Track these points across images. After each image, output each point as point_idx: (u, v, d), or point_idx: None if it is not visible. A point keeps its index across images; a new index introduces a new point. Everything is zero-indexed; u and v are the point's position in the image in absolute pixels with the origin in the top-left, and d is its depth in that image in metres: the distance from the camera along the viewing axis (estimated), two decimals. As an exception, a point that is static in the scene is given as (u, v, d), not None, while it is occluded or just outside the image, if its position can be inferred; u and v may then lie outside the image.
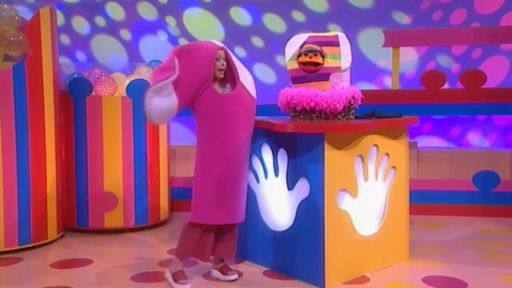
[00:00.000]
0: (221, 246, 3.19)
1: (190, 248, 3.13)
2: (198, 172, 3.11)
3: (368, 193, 3.32)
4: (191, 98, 2.99)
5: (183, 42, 5.92)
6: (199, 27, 5.92)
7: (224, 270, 3.27)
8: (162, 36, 5.97)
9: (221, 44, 3.09)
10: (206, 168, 3.06)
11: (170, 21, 5.92)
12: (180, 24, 5.90)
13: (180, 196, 5.05)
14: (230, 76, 3.10)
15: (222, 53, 3.04)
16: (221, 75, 3.05)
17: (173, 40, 5.95)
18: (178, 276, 3.15)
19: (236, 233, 3.23)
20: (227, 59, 3.07)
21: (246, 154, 3.13)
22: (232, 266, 3.47)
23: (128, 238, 4.26)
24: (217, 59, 3.01)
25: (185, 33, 5.92)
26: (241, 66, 3.15)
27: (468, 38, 4.98)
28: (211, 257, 3.23)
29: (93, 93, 4.33)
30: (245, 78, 3.12)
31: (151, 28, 5.96)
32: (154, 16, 5.95)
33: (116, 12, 5.99)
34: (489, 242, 4.00)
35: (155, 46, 5.95)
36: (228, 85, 3.11)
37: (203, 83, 2.98)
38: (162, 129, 4.58)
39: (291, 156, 3.24)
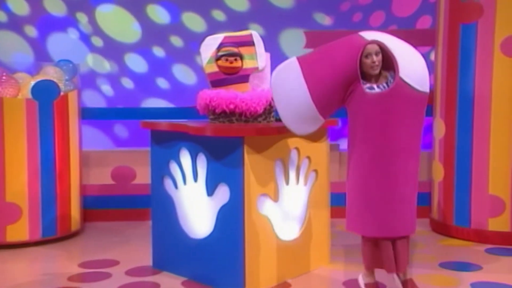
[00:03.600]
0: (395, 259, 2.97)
1: (366, 258, 3.02)
2: (348, 178, 3.02)
3: (289, 197, 3.39)
4: (330, 98, 2.85)
5: (96, 40, 5.77)
6: (113, 25, 5.78)
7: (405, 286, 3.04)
8: (72, 34, 5.77)
9: (371, 37, 2.82)
10: (355, 174, 2.93)
11: (81, 17, 5.73)
12: (92, 21, 5.73)
13: (94, 205, 4.93)
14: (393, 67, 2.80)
15: (373, 47, 2.77)
16: (374, 71, 2.80)
17: (84, 38, 5.77)
18: None
19: (404, 247, 2.96)
20: (384, 52, 2.79)
21: (406, 158, 2.84)
22: (148, 278, 3.42)
23: (35, 252, 4.07)
24: (366, 56, 2.77)
25: (97, 30, 5.75)
26: (409, 55, 2.83)
27: (385, 40, 5.22)
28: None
29: (-7, 95, 4.11)
30: (411, 69, 2.77)
31: (60, 24, 5.74)
32: (62, 12, 5.74)
33: (18, 6, 5.70)
34: (408, 243, 4.20)
35: (65, 44, 5.73)
36: (390, 80, 2.81)
37: (346, 83, 2.80)
38: (73, 133, 4.43)
39: (210, 160, 3.24)
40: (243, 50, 3.39)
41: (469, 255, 3.94)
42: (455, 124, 4.37)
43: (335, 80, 2.82)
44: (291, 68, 2.88)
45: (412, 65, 2.80)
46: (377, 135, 2.83)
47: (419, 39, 5.15)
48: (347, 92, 2.84)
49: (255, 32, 3.48)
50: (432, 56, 5.14)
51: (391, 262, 2.95)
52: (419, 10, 5.64)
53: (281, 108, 2.93)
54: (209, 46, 3.42)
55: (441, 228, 4.54)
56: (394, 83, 2.77)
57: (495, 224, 4.22)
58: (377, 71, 2.81)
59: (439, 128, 4.52)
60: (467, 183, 4.31)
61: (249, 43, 3.43)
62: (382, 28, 5.62)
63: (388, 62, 2.81)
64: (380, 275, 3.11)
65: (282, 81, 2.90)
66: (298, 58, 2.91)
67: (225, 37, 3.44)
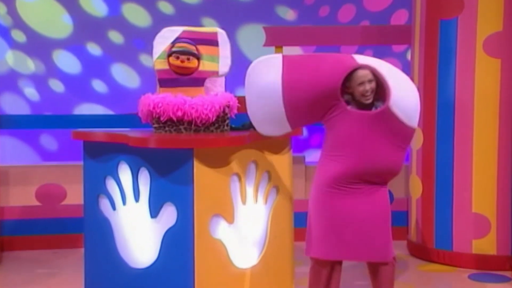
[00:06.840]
0: None
1: (309, 285, 3.22)
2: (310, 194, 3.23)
3: (246, 218, 3.43)
4: (302, 107, 3.03)
5: (16, 34, 5.71)
6: (39, 17, 5.75)
7: None
8: (-12, 26, 5.71)
9: (364, 62, 3.03)
10: (317, 189, 3.15)
11: (-1, 7, 5.69)
12: (12, 12, 5.67)
13: (14, 231, 4.87)
14: (383, 94, 3.03)
15: (366, 75, 2.98)
16: (367, 100, 3.00)
17: (3, 31, 5.71)
18: None
19: (380, 275, 3.28)
20: (378, 79, 3.01)
21: (376, 183, 3.11)
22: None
23: None
24: (359, 84, 2.97)
25: (19, 23, 5.70)
26: (404, 86, 3.08)
27: (356, 37, 5.34)
28: None
29: None
30: (402, 101, 3.00)
31: (-27, 16, 5.68)
32: (-25, 1, 5.67)
33: None
34: (384, 269, 4.29)
35: (-22, 40, 5.67)
36: (379, 104, 3.03)
37: (322, 98, 2.99)
38: (-11, 146, 4.36)
39: (154, 176, 3.25)
40: (203, 49, 3.39)
41: (451, 282, 4.06)
42: (435, 133, 4.52)
43: (311, 90, 3.02)
44: (272, 64, 3.09)
45: (405, 98, 3.05)
46: (349, 153, 3.04)
47: (394, 37, 5.31)
48: (325, 107, 3.04)
49: (222, 31, 3.50)
50: (409, 56, 5.31)
51: None
52: (394, 3, 5.83)
53: (251, 103, 3.14)
54: (164, 39, 3.43)
55: (420, 252, 4.66)
56: (381, 108, 2.99)
57: (480, 247, 4.36)
58: (370, 100, 3.02)
59: (417, 138, 4.64)
60: (449, 200, 4.45)
61: (213, 42, 3.44)
62: (353, 24, 5.77)
63: (378, 90, 3.03)
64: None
65: (259, 73, 3.10)
66: (283, 56, 3.14)
67: (184, 31, 3.44)
